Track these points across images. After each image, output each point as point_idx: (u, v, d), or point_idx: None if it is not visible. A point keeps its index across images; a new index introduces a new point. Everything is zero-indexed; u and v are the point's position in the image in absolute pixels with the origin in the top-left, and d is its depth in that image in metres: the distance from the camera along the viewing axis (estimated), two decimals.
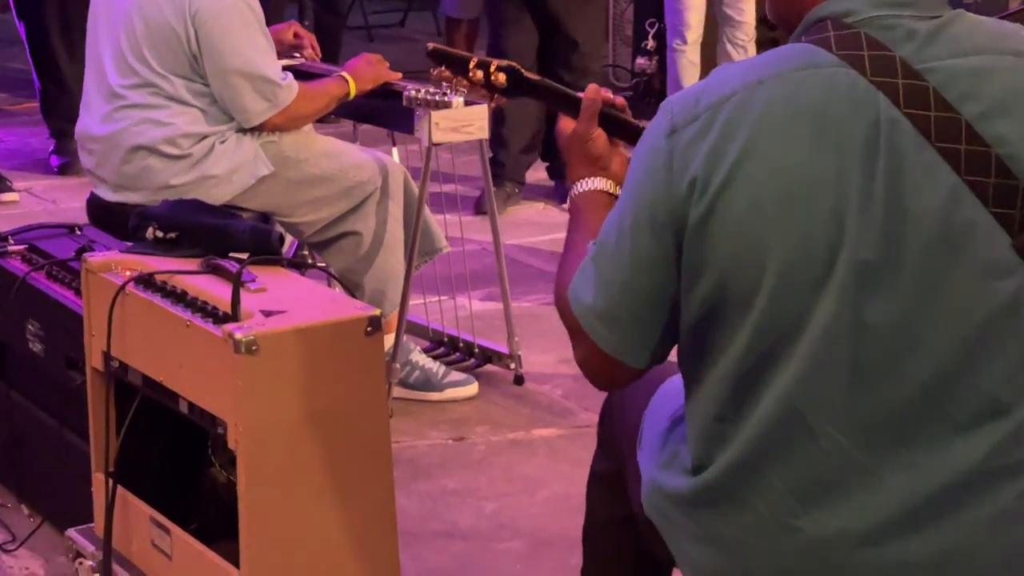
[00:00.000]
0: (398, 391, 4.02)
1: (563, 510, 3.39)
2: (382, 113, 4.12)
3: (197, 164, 3.76)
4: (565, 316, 1.92)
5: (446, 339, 4.32)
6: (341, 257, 3.96)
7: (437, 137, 3.84)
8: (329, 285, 3.97)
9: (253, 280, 2.66)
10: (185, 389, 2.62)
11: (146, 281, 2.72)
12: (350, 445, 2.58)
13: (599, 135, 2.10)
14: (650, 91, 7.26)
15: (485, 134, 3.97)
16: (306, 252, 4.32)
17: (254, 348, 2.43)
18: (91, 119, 3.87)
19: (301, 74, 4.00)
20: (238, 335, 2.43)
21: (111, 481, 2.80)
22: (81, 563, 2.91)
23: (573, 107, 2.13)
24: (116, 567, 2.81)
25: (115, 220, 3.63)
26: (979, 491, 1.75)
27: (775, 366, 1.75)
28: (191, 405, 2.61)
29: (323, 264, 3.99)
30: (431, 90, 3.88)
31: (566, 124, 2.14)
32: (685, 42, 6.38)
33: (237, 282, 2.57)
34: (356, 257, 3.95)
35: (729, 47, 6.43)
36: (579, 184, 2.10)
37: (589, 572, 2.37)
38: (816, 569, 1.79)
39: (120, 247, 3.02)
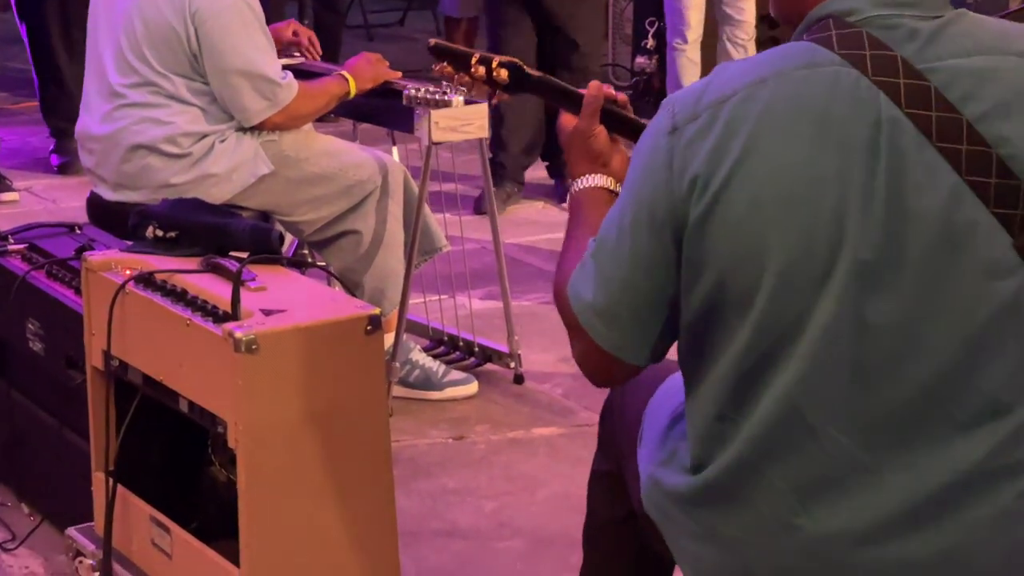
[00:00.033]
0: (398, 390, 4.02)
1: (563, 509, 3.39)
2: (382, 112, 4.13)
3: (197, 163, 3.76)
4: (564, 312, 1.92)
5: (446, 338, 4.32)
6: (341, 256, 3.96)
7: (437, 136, 3.84)
8: (329, 284, 3.99)
9: (253, 279, 2.66)
10: (185, 388, 2.62)
11: (146, 280, 2.72)
12: (350, 444, 2.58)
13: (600, 132, 2.11)
14: (650, 90, 7.25)
15: (485, 133, 3.97)
16: (306, 251, 4.32)
17: (254, 347, 2.43)
18: (91, 118, 3.87)
19: (301, 73, 4.01)
20: (238, 334, 2.43)
21: (111, 480, 2.79)
22: (81, 562, 2.91)
23: (575, 104, 2.14)
24: (116, 566, 2.81)
25: (115, 219, 3.63)
26: (979, 491, 1.75)
27: (775, 365, 1.75)
28: (191, 404, 2.61)
29: (323, 263, 3.99)
30: (431, 89, 3.88)
31: (567, 120, 2.14)
32: (685, 41, 6.38)
33: (237, 281, 2.57)
34: (356, 256, 3.95)
35: (729, 46, 6.43)
36: (580, 181, 2.10)
37: (590, 571, 2.37)
38: (816, 568, 1.79)
39: (120, 246, 3.02)
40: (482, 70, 2.26)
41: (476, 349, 4.23)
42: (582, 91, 2.14)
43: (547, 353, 4.33)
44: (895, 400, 1.74)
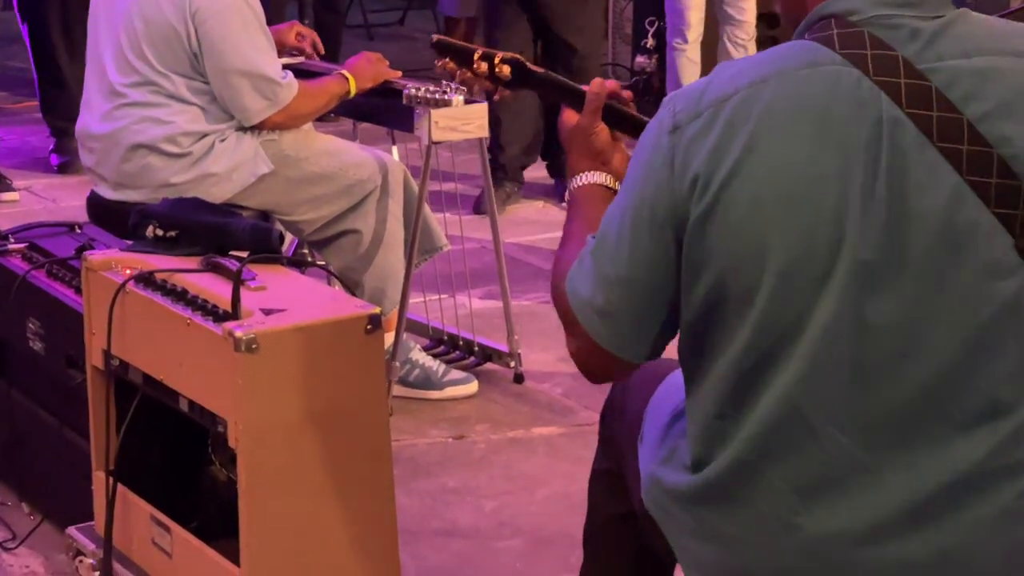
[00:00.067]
0: (398, 389, 4.02)
1: (563, 508, 3.39)
2: (382, 111, 4.13)
3: (197, 162, 3.76)
4: (560, 306, 1.92)
5: (446, 337, 4.32)
6: (341, 255, 3.96)
7: (437, 135, 3.84)
8: (329, 283, 3.99)
9: (253, 278, 2.66)
10: (185, 387, 2.62)
11: (146, 279, 2.72)
12: (350, 443, 2.58)
13: (602, 130, 2.11)
14: (649, 89, 7.25)
15: (485, 132, 3.97)
16: (306, 250, 4.32)
17: (254, 346, 2.43)
18: (91, 117, 3.87)
19: (301, 72, 4.01)
20: (238, 333, 2.43)
21: (111, 479, 2.79)
22: (81, 561, 2.91)
23: (577, 100, 2.14)
24: (116, 565, 2.81)
25: (115, 218, 3.63)
26: (979, 491, 1.75)
27: (775, 365, 1.75)
28: (191, 403, 2.61)
29: (323, 262, 3.99)
30: (431, 88, 3.88)
31: (569, 117, 2.14)
32: (686, 41, 6.37)
33: (237, 280, 2.57)
34: (356, 255, 3.95)
35: (730, 46, 6.43)
36: (579, 177, 2.10)
37: (590, 570, 2.37)
38: (816, 567, 1.79)
39: (120, 245, 3.02)
40: (484, 66, 2.26)
41: (476, 348, 4.23)
42: (585, 87, 2.14)
43: (547, 352, 4.33)
44: (895, 400, 1.74)
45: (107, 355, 2.78)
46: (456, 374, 4.11)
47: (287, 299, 2.59)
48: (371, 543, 2.63)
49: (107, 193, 3.86)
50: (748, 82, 1.76)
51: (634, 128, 2.09)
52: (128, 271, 2.75)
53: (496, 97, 2.35)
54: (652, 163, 1.79)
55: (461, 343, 4.27)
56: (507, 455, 3.76)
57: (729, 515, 1.83)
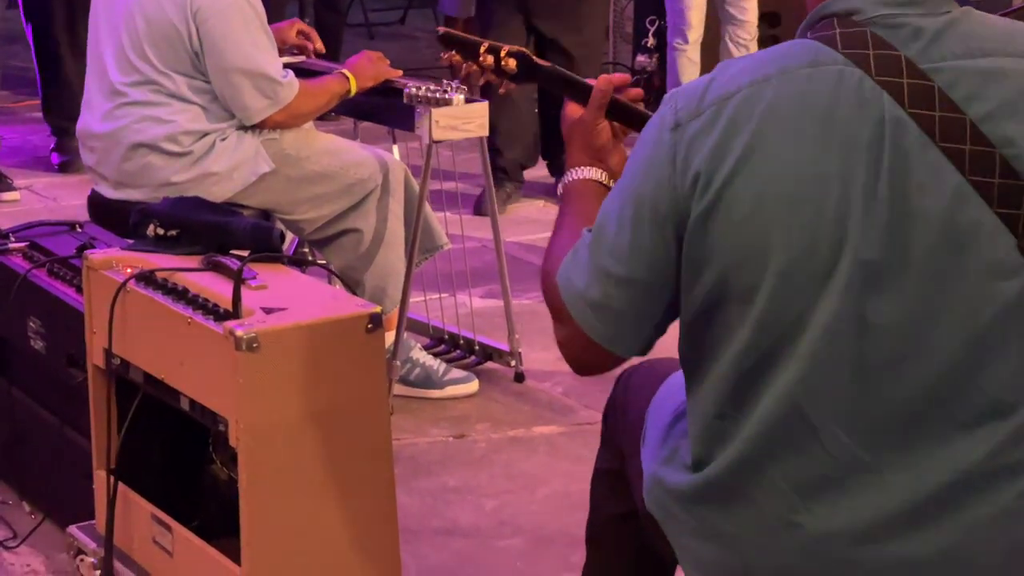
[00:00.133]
0: (399, 388, 4.02)
1: (563, 507, 3.39)
2: (383, 110, 4.13)
3: (198, 161, 3.76)
4: (550, 296, 1.91)
5: (447, 336, 4.32)
6: (342, 254, 3.96)
7: (437, 134, 3.84)
8: (330, 282, 3.99)
9: (254, 277, 2.66)
10: (186, 386, 2.62)
11: (147, 278, 2.72)
12: (351, 442, 2.58)
13: (604, 127, 2.11)
14: (650, 89, 7.24)
15: (485, 132, 3.97)
16: (307, 249, 4.32)
17: (255, 345, 2.43)
18: (92, 116, 3.87)
19: (302, 71, 4.00)
20: (239, 332, 2.43)
21: (112, 478, 2.79)
22: (82, 560, 2.91)
23: (582, 94, 2.14)
24: (117, 564, 2.81)
25: (116, 217, 3.63)
26: (980, 490, 1.75)
27: (776, 364, 1.75)
28: (192, 402, 2.61)
29: (324, 261, 3.99)
30: (432, 87, 3.88)
31: (573, 110, 2.14)
32: (686, 41, 6.37)
33: (238, 279, 2.57)
34: (357, 254, 3.94)
35: (731, 46, 6.43)
36: (575, 171, 2.10)
37: (592, 569, 2.37)
38: (816, 567, 1.79)
39: (121, 244, 3.02)
40: (490, 59, 2.26)
41: (477, 347, 4.23)
42: (591, 82, 2.14)
43: (548, 351, 4.32)
44: (896, 400, 1.74)
45: (108, 354, 2.78)
46: (457, 373, 4.11)
47: (288, 298, 2.59)
48: (372, 542, 2.63)
49: (108, 192, 3.86)
50: (750, 81, 1.76)
51: (640, 123, 2.09)
52: (129, 270, 2.75)
53: (501, 91, 2.35)
54: (653, 160, 1.79)
55: (462, 342, 4.27)
56: (508, 454, 3.76)
57: (730, 514, 1.83)
